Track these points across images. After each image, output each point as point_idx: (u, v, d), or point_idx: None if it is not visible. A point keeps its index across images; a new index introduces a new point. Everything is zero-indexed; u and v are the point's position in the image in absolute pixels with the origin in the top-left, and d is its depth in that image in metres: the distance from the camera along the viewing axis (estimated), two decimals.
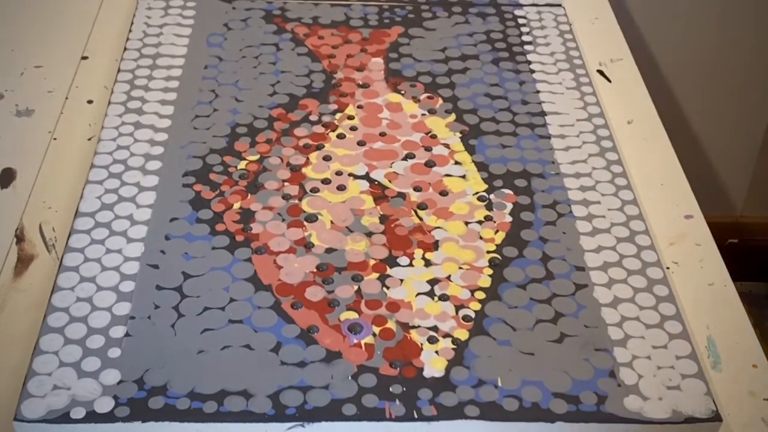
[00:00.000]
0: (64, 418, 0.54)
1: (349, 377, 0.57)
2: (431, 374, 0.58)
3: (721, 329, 0.64)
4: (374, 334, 0.60)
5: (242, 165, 0.73)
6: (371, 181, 0.72)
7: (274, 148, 0.75)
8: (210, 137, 0.75)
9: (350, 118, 0.78)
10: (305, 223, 0.68)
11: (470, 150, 0.76)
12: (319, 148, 0.75)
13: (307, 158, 0.74)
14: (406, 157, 0.75)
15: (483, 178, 0.73)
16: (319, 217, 0.69)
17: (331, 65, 0.84)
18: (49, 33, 0.90)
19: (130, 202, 0.69)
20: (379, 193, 0.71)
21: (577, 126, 0.79)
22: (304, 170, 0.73)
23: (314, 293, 0.63)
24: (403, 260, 0.66)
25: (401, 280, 0.64)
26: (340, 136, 0.76)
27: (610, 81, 0.87)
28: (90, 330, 0.59)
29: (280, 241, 0.66)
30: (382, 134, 0.77)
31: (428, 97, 0.81)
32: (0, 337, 0.61)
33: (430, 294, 0.63)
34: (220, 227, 0.67)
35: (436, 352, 0.59)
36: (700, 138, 1.58)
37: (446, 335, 0.60)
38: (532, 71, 0.84)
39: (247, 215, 0.68)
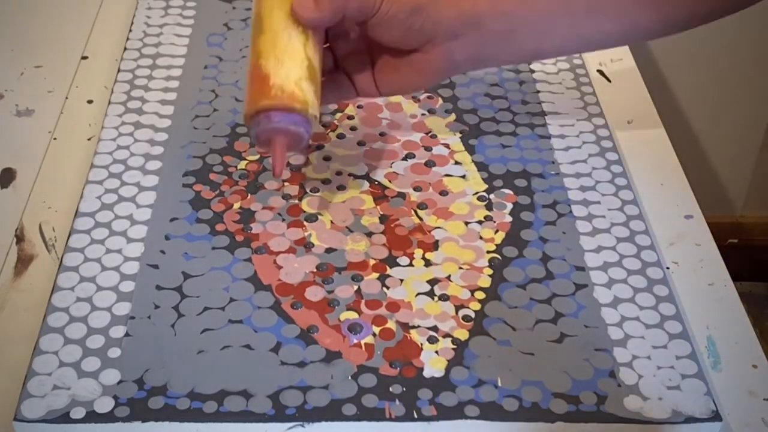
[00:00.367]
0: (64, 418, 0.54)
1: (349, 377, 0.57)
2: (431, 374, 0.58)
3: (721, 329, 0.64)
4: (374, 334, 0.60)
5: (242, 165, 0.73)
6: (371, 181, 0.72)
7: None
8: (210, 137, 0.75)
9: (350, 118, 0.78)
10: (305, 223, 0.68)
11: (470, 150, 0.76)
12: (319, 148, 0.75)
13: (307, 158, 0.74)
14: (406, 157, 0.75)
15: (483, 178, 0.73)
16: (319, 217, 0.69)
17: None
18: (49, 33, 0.90)
19: (130, 202, 0.69)
20: (379, 193, 0.71)
21: (577, 126, 0.79)
22: (304, 170, 0.73)
23: (314, 293, 0.63)
24: (403, 260, 0.66)
25: (401, 280, 0.64)
26: (340, 136, 0.76)
27: (610, 81, 0.87)
28: (90, 330, 0.59)
29: (280, 241, 0.66)
30: (382, 134, 0.77)
31: (428, 97, 0.81)
32: (0, 337, 0.61)
33: (430, 294, 0.63)
34: (220, 227, 0.67)
35: (436, 352, 0.59)
36: (700, 138, 1.58)
37: (446, 335, 0.60)
38: (532, 71, 0.84)
39: (247, 215, 0.68)
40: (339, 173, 0.73)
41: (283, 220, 0.68)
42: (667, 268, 0.68)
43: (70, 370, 0.57)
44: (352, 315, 0.61)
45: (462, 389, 0.57)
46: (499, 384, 0.57)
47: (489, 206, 0.70)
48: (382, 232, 0.68)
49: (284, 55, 0.61)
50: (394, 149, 0.75)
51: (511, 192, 0.72)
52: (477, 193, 0.72)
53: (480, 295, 0.63)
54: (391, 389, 0.57)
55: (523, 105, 0.80)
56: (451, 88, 0.82)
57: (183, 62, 0.83)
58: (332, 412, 0.55)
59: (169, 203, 0.69)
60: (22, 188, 0.73)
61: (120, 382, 0.56)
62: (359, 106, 0.80)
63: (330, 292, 0.63)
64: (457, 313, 0.62)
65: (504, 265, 0.66)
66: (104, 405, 0.55)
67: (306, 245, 0.66)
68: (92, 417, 0.54)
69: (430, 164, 0.74)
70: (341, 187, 0.72)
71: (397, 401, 0.56)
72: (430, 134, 0.77)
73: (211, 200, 0.69)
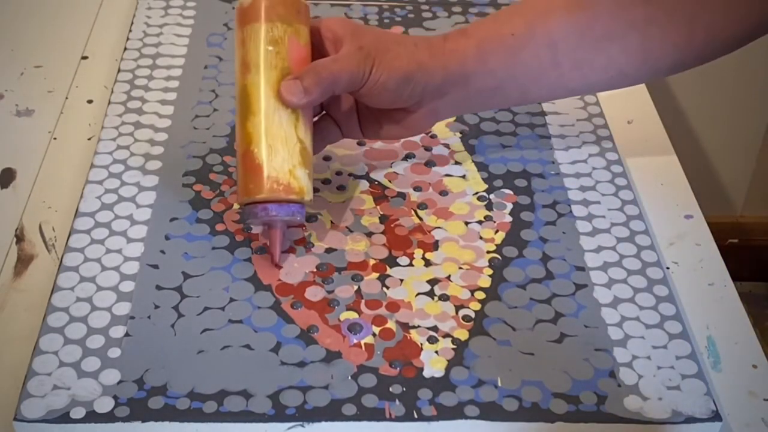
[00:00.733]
0: (64, 418, 0.54)
1: (349, 377, 0.57)
2: (431, 374, 0.58)
3: (721, 329, 0.64)
4: (374, 334, 0.60)
5: (236, 163, 0.73)
6: (371, 181, 0.72)
7: None
8: (210, 137, 0.75)
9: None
10: (305, 223, 0.68)
11: (470, 150, 0.76)
12: None
13: None
14: (406, 157, 0.75)
15: (483, 178, 0.73)
16: (319, 217, 0.69)
17: None
18: (49, 33, 0.90)
19: (130, 202, 0.69)
20: (379, 193, 0.71)
21: (577, 126, 0.79)
22: None
23: (314, 293, 0.63)
24: (403, 260, 0.66)
25: (401, 280, 0.64)
26: None
27: None
28: (90, 330, 0.59)
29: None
30: None
31: None
32: (0, 337, 0.61)
33: (430, 294, 0.63)
34: (220, 227, 0.67)
35: (436, 352, 0.59)
36: (700, 138, 1.58)
37: (446, 335, 0.60)
38: None
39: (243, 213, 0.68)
40: (339, 173, 0.73)
41: None
42: (667, 268, 0.68)
43: (70, 370, 0.57)
44: (352, 315, 0.61)
45: (462, 389, 0.57)
46: (499, 384, 0.57)
47: (489, 206, 0.70)
48: (382, 232, 0.68)
49: (276, 142, 0.61)
50: (394, 149, 0.75)
51: (511, 192, 0.72)
52: (477, 193, 0.72)
53: (480, 295, 0.63)
54: (391, 389, 0.57)
55: (523, 105, 0.80)
56: None
57: (183, 62, 0.83)
58: (332, 412, 0.55)
59: (169, 203, 0.69)
60: (22, 188, 0.73)
61: (120, 382, 0.56)
62: None
63: (330, 292, 0.63)
64: (457, 313, 0.62)
65: (504, 265, 0.66)
66: (104, 405, 0.55)
67: (306, 245, 0.66)
68: (92, 417, 0.54)
69: (430, 164, 0.74)
70: (341, 187, 0.72)
71: (397, 401, 0.56)
72: (430, 134, 0.77)
73: (211, 200, 0.69)
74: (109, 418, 0.54)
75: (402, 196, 0.71)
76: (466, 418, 0.55)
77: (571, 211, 0.70)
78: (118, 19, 0.92)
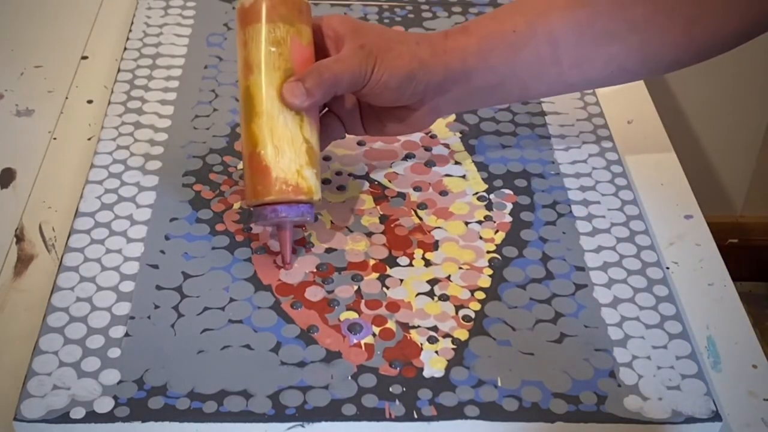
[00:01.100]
0: (63, 418, 0.54)
1: (349, 377, 0.57)
2: (431, 374, 0.58)
3: (721, 329, 0.64)
4: (374, 334, 0.60)
5: (242, 165, 0.73)
6: (371, 181, 0.72)
7: None
8: (210, 137, 0.75)
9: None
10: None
11: (470, 150, 0.76)
12: None
13: None
14: (406, 157, 0.75)
15: (483, 178, 0.73)
16: (319, 217, 0.69)
17: None
18: (49, 33, 0.90)
19: (130, 202, 0.69)
20: (379, 193, 0.71)
21: (577, 126, 0.79)
22: None
23: (314, 293, 0.63)
24: (403, 260, 0.66)
25: (401, 280, 0.64)
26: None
27: None
28: (90, 330, 0.59)
29: None
30: None
31: None
32: (0, 337, 0.61)
33: (430, 294, 0.63)
34: (220, 227, 0.67)
35: (436, 352, 0.59)
36: (700, 138, 1.58)
37: (446, 335, 0.60)
38: None
39: (247, 215, 0.68)
40: (339, 173, 0.73)
41: None
42: (667, 268, 0.68)
43: (70, 370, 0.57)
44: (352, 315, 0.61)
45: (462, 389, 0.57)
46: (499, 384, 0.57)
47: (489, 206, 0.70)
48: (382, 232, 0.68)
49: (282, 143, 0.61)
50: (394, 149, 0.75)
51: (511, 192, 0.72)
52: (477, 193, 0.72)
53: (480, 295, 0.63)
54: (391, 389, 0.57)
55: (523, 105, 0.80)
56: None
57: (183, 62, 0.83)
58: (332, 412, 0.55)
59: (169, 203, 0.69)
60: (22, 188, 0.73)
61: (120, 382, 0.56)
62: None
63: (330, 292, 0.63)
64: (457, 313, 0.62)
65: (504, 265, 0.66)
66: (104, 405, 0.55)
67: (306, 245, 0.66)
68: (92, 417, 0.54)
69: (430, 164, 0.74)
70: (341, 187, 0.72)
71: (397, 401, 0.56)
72: (430, 134, 0.77)
73: (211, 200, 0.69)
74: (109, 418, 0.54)
75: (402, 196, 0.71)
76: (466, 418, 0.55)
77: (571, 211, 0.70)
78: (118, 19, 0.92)
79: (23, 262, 0.67)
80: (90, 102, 0.82)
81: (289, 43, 0.62)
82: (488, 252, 0.67)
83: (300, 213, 0.62)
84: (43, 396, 0.55)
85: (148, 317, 0.60)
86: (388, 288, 0.63)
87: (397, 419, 0.55)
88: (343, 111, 0.68)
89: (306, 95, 0.61)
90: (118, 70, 0.82)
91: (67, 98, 0.82)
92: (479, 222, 0.69)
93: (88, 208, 0.68)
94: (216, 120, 0.77)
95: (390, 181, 0.72)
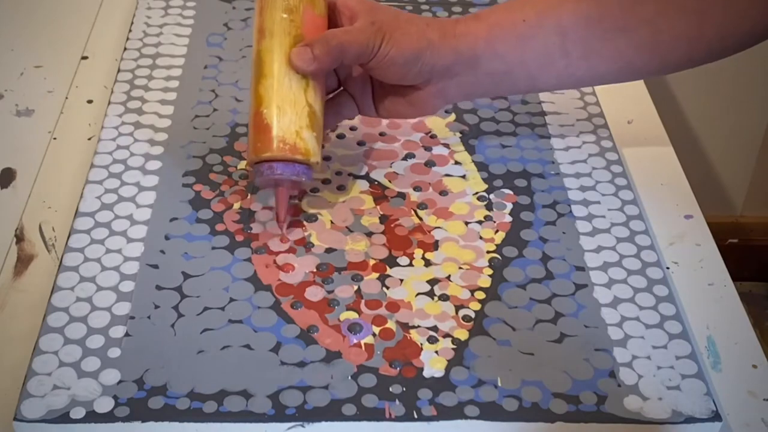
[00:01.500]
0: (63, 418, 0.54)
1: (349, 377, 0.57)
2: (431, 374, 0.58)
3: (721, 329, 0.64)
4: (374, 334, 0.60)
5: (242, 165, 0.73)
6: (371, 181, 0.72)
7: None
8: (210, 137, 0.75)
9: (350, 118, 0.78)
10: (305, 223, 0.68)
11: (470, 150, 0.76)
12: None
13: None
14: (406, 157, 0.75)
15: (483, 178, 0.73)
16: (319, 217, 0.69)
17: None
18: (49, 33, 0.90)
19: (130, 202, 0.69)
20: (379, 193, 0.71)
21: (577, 126, 0.79)
22: None
23: (314, 293, 0.63)
24: (403, 260, 0.66)
25: (401, 280, 0.64)
26: (340, 136, 0.76)
27: None
28: (90, 330, 0.59)
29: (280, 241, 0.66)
30: (382, 134, 0.77)
31: None
32: (0, 337, 0.61)
33: (430, 294, 0.63)
34: (220, 227, 0.67)
35: (436, 352, 0.59)
36: (700, 138, 1.58)
37: (446, 335, 0.60)
38: None
39: (247, 215, 0.68)
40: (339, 173, 0.73)
41: None
42: (667, 268, 0.68)
43: (69, 370, 0.57)
44: (352, 315, 0.61)
45: (462, 389, 0.57)
46: (499, 384, 0.57)
47: (489, 206, 0.70)
48: (382, 232, 0.68)
49: (285, 103, 0.63)
50: (394, 149, 0.75)
51: (511, 192, 0.72)
52: (477, 193, 0.72)
53: (480, 295, 0.63)
54: (391, 389, 0.57)
55: (523, 105, 0.80)
56: None
57: (183, 62, 0.83)
58: (332, 412, 0.55)
59: (169, 203, 0.69)
60: (22, 188, 0.73)
61: (120, 382, 0.56)
62: None
63: (330, 292, 0.63)
64: (457, 313, 0.62)
65: (504, 265, 0.66)
66: (104, 405, 0.55)
67: (306, 245, 0.66)
68: (92, 417, 0.54)
69: (430, 164, 0.74)
70: (341, 187, 0.72)
71: (397, 401, 0.56)
72: (430, 134, 0.77)
73: (211, 200, 0.69)
74: (109, 418, 0.54)
75: (402, 196, 0.71)
76: (466, 418, 0.55)
77: (571, 211, 0.70)
78: (118, 19, 0.92)
79: (23, 262, 0.67)
80: (90, 102, 0.82)
81: (301, 11, 0.65)
82: (488, 252, 0.67)
83: (296, 172, 0.64)
84: (43, 396, 0.55)
85: (148, 317, 0.60)
86: (388, 288, 0.63)
87: (397, 419, 0.55)
88: (356, 89, 0.70)
89: (313, 60, 0.63)
90: (118, 70, 0.82)
91: (67, 98, 0.82)
92: (479, 222, 0.69)
93: (88, 208, 0.68)
94: (216, 120, 0.77)
95: (390, 181, 0.72)
